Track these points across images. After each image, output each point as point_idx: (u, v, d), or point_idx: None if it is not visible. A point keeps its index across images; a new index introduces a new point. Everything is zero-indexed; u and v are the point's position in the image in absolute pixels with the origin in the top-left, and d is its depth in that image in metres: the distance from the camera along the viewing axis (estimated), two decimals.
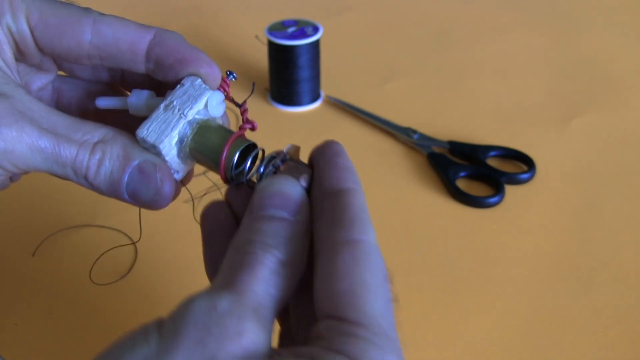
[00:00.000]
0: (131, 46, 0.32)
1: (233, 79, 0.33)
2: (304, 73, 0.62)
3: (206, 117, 0.31)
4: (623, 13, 0.83)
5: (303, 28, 0.61)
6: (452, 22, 0.81)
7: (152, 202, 0.31)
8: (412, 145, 0.57)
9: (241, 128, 0.32)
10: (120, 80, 0.36)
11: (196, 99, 0.31)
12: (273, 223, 0.26)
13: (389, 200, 0.51)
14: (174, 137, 0.31)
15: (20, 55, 0.33)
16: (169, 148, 0.31)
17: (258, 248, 0.25)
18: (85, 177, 0.30)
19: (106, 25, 0.32)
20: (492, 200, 0.50)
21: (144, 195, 0.31)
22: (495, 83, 0.68)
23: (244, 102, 0.33)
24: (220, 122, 0.32)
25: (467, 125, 0.60)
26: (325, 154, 0.29)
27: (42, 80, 0.36)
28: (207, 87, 0.32)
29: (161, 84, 0.34)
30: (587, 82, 0.68)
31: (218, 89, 0.33)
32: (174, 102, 0.31)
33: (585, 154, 0.56)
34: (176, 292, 0.43)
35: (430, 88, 0.67)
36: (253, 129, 0.33)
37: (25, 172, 0.31)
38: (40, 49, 0.33)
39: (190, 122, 0.31)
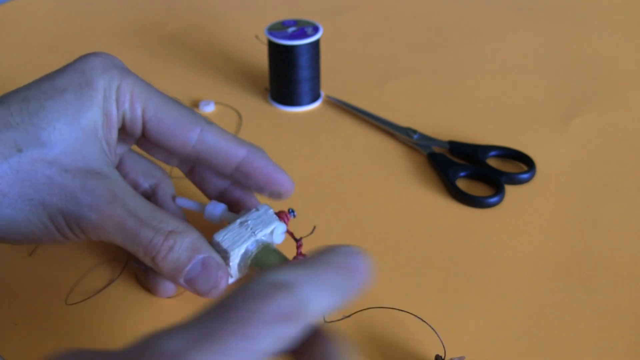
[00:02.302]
0: (226, 157, 0.38)
1: (293, 217, 0.40)
2: (304, 73, 0.62)
3: (269, 241, 0.38)
4: (623, 13, 0.83)
5: (303, 28, 0.61)
6: (452, 22, 0.81)
7: (206, 293, 0.35)
8: (412, 145, 0.57)
9: (296, 259, 0.39)
10: (187, 171, 0.42)
11: (267, 224, 0.37)
12: None
13: (389, 200, 0.51)
14: (242, 248, 0.36)
15: (122, 136, 0.37)
16: (236, 256, 0.36)
17: None
18: (153, 258, 0.34)
19: (210, 134, 0.37)
20: (492, 200, 0.50)
21: (201, 286, 0.35)
22: (495, 83, 0.68)
23: (301, 238, 0.40)
24: (276, 247, 0.39)
25: (467, 125, 0.60)
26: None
27: (118, 151, 0.39)
28: (277, 218, 0.38)
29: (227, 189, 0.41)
30: (587, 82, 0.68)
31: (281, 219, 0.39)
32: (249, 222, 0.37)
33: (585, 154, 0.56)
34: None
35: (430, 88, 0.67)
36: None
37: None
38: (146, 138, 0.37)
39: (257, 241, 0.37)
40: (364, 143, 0.58)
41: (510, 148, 0.56)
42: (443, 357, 0.36)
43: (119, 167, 0.40)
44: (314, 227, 0.43)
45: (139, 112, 0.36)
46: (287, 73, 0.62)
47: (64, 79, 0.34)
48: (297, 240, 0.39)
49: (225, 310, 0.21)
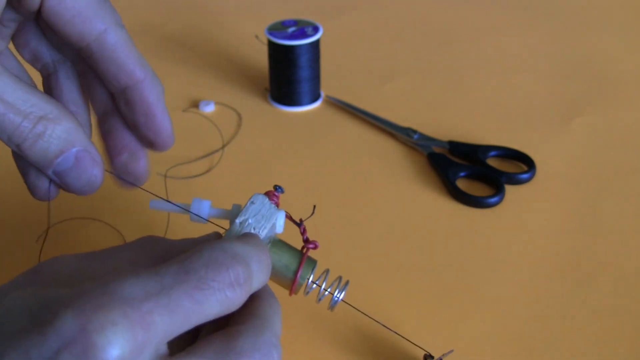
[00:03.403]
0: (119, 71, 0.33)
1: (282, 192, 0.36)
2: (304, 73, 0.62)
3: (272, 234, 0.34)
4: (623, 13, 0.83)
5: (303, 28, 0.61)
6: (452, 22, 0.81)
7: (79, 190, 0.32)
8: (412, 145, 0.57)
9: (306, 248, 0.34)
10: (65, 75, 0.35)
11: (268, 219, 0.33)
12: None
13: (389, 200, 0.51)
14: None
15: (11, 10, 0.32)
16: None
17: None
18: (19, 145, 0.30)
19: (115, 37, 0.32)
20: (492, 200, 0.50)
21: (72, 181, 0.31)
22: (495, 83, 0.68)
23: (302, 222, 0.35)
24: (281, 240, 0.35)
25: (467, 125, 0.60)
26: None
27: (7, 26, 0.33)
28: (276, 208, 0.34)
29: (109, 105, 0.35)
30: (587, 82, 0.68)
31: (271, 199, 0.34)
32: (249, 221, 0.33)
33: (585, 154, 0.56)
34: None
35: (430, 88, 0.67)
36: (315, 247, 0.35)
37: None
38: (39, 16, 0.31)
39: (262, 240, 0.33)
40: (364, 143, 0.58)
41: (510, 148, 0.56)
42: (431, 354, 0.36)
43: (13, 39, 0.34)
44: (314, 207, 0.39)
45: None
46: (287, 73, 0.62)
47: None
48: (299, 225, 0.35)
49: (185, 272, 0.25)
